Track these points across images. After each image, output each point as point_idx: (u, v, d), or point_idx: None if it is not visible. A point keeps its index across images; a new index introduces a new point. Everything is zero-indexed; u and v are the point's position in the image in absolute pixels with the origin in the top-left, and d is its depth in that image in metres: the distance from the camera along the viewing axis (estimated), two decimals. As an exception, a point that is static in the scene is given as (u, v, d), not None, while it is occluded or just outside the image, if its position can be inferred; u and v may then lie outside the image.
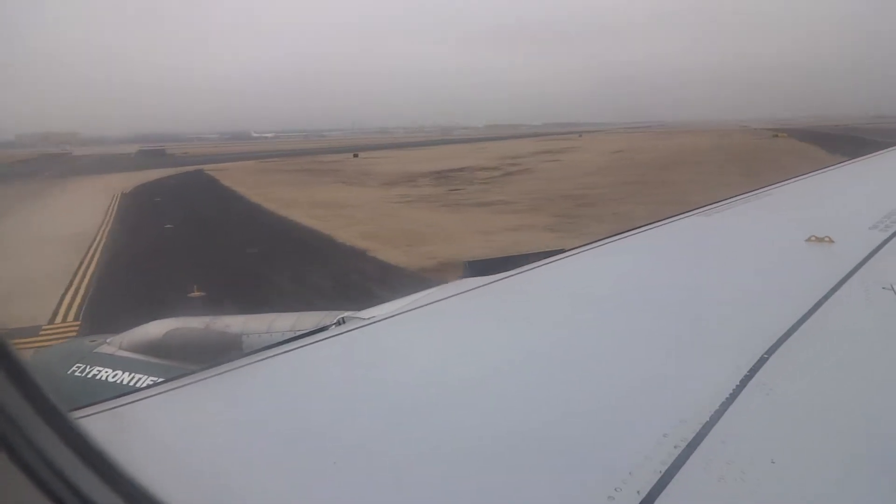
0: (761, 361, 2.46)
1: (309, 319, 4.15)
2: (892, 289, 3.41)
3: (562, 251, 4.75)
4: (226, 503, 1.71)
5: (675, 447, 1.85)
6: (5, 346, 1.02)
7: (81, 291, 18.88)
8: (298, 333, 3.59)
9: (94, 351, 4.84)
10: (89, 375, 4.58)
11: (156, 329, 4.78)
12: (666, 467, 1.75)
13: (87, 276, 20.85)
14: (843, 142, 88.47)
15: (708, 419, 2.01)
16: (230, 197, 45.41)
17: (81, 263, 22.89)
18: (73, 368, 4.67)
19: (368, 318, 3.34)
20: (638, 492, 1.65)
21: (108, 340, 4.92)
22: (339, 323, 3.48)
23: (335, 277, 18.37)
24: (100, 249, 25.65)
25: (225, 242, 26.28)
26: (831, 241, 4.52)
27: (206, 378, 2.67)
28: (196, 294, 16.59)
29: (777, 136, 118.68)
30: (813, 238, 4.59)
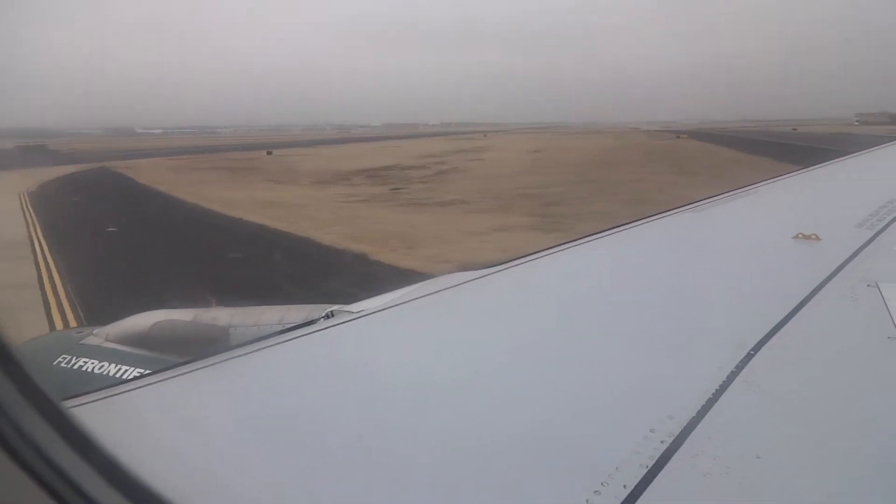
0: (748, 358, 2.48)
1: (297, 313, 4.09)
2: (878, 286, 3.46)
3: (549, 248, 4.75)
4: (212, 495, 1.69)
5: (661, 442, 1.86)
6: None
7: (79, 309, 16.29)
8: (287, 327, 3.58)
9: (80, 342, 4.72)
10: (75, 367, 4.46)
11: (143, 321, 4.68)
12: (652, 462, 1.76)
13: (64, 289, 18.37)
14: (730, 141, 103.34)
15: (694, 415, 2.02)
16: (160, 197, 42.65)
17: (42, 274, 20.28)
18: (59, 359, 4.55)
19: (357, 312, 3.31)
20: (624, 486, 1.65)
21: (94, 332, 4.79)
22: (327, 316, 3.43)
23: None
24: (50, 257, 22.73)
25: (202, 248, 24.33)
26: (818, 238, 4.58)
27: (192, 370, 2.63)
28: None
29: (679, 137, 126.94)
30: (800, 235, 4.65)
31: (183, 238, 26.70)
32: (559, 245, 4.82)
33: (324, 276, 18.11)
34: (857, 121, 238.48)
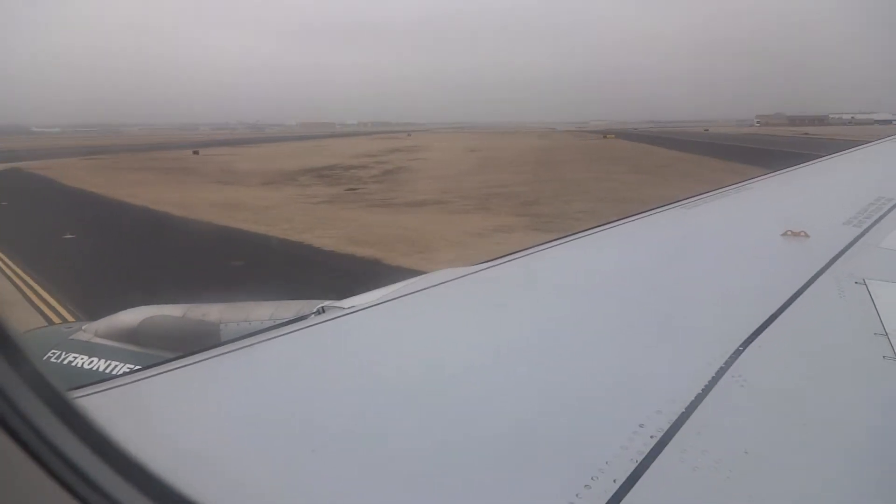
0: (736, 354, 2.51)
1: (288, 308, 4.06)
2: (865, 283, 3.51)
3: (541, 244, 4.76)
4: (203, 490, 1.66)
5: (650, 437, 1.88)
6: (4, 329, 1.05)
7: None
8: (278, 322, 3.55)
9: (70, 338, 4.65)
10: (65, 362, 4.39)
11: (132, 316, 4.61)
12: (642, 457, 1.78)
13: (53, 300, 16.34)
14: (657, 141, 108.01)
15: (683, 410, 2.05)
16: (97, 200, 39.30)
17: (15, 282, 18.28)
18: (49, 355, 4.47)
19: (348, 308, 3.31)
20: (614, 480, 1.67)
21: (83, 327, 4.73)
22: (318, 312, 3.41)
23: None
24: (12, 266, 20.35)
25: (200, 258, 21.88)
26: (807, 235, 4.66)
27: (183, 366, 2.62)
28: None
29: (606, 137, 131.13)
30: (789, 233, 4.71)
31: (170, 247, 23.96)
32: (548, 242, 4.81)
33: (346, 281, 16.22)
34: (757, 122, 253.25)
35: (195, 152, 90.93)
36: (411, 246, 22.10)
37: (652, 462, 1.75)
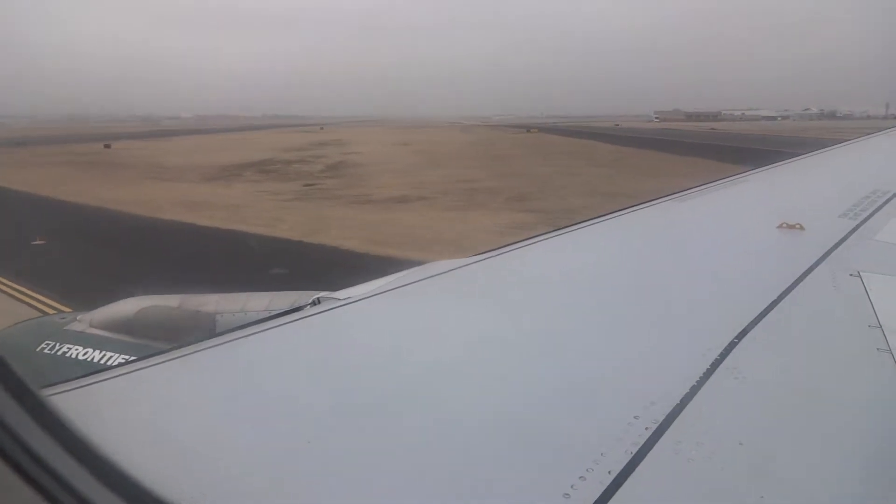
0: (731, 346, 2.51)
1: (284, 299, 4.04)
2: (860, 275, 3.51)
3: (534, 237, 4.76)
4: (198, 483, 1.67)
5: (645, 429, 1.88)
6: None
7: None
8: (273, 313, 3.53)
9: (65, 328, 4.59)
10: (59, 353, 4.35)
11: (128, 307, 4.57)
12: (637, 448, 1.78)
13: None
14: (584, 135, 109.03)
15: (678, 402, 2.05)
16: (38, 200, 34.95)
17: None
18: (43, 345, 4.43)
19: (344, 299, 3.30)
20: (609, 472, 1.67)
21: (78, 318, 4.66)
22: (314, 303, 3.39)
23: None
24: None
25: (212, 266, 19.29)
26: (802, 228, 4.64)
27: (178, 357, 2.62)
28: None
29: (530, 131, 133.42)
30: (784, 225, 4.70)
31: (202, 255, 21.10)
32: (544, 234, 4.79)
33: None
34: (656, 117, 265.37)
35: (107, 146, 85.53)
36: (456, 247, 19.79)
37: (647, 454, 1.75)
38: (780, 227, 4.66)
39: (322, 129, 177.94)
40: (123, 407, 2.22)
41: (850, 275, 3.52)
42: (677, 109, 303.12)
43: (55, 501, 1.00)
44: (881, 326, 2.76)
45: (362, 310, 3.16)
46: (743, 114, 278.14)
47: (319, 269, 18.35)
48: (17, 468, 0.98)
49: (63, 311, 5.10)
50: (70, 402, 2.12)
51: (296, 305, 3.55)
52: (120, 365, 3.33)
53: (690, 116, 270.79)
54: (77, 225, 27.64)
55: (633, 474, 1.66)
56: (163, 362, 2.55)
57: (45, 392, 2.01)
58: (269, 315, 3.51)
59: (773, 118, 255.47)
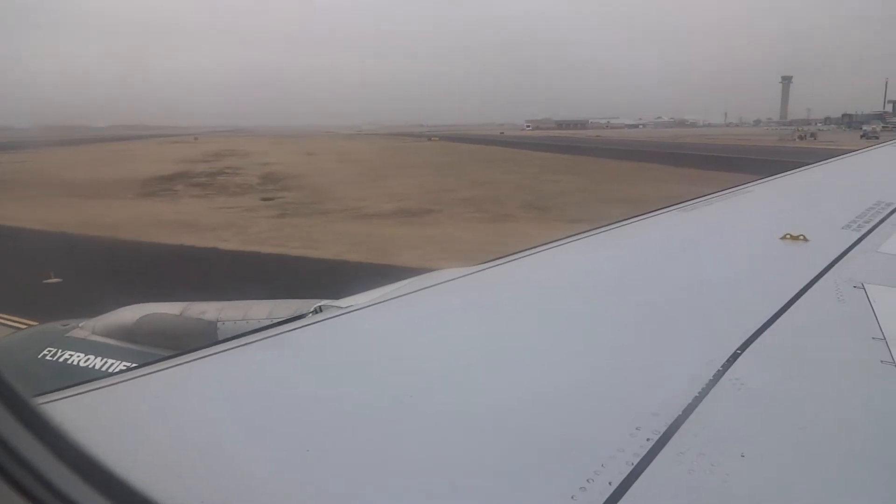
0: (734, 357, 2.51)
1: (286, 307, 4.05)
2: (863, 287, 3.50)
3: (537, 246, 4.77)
4: (199, 491, 1.67)
5: (647, 440, 1.87)
6: None
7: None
8: (275, 321, 3.53)
9: (66, 335, 4.58)
10: (60, 360, 4.35)
11: (129, 314, 4.57)
12: (638, 459, 1.77)
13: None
14: (484, 142, 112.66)
15: (680, 413, 2.05)
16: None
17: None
18: (44, 352, 4.42)
19: (346, 307, 3.31)
20: (610, 483, 1.67)
21: (80, 325, 4.66)
22: (316, 311, 3.41)
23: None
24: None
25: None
26: (806, 239, 4.65)
27: (180, 364, 2.62)
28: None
29: (431, 140, 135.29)
30: (788, 236, 4.72)
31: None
32: (546, 244, 4.81)
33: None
34: (527, 126, 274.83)
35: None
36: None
37: (648, 464, 1.74)
38: (783, 238, 4.66)
39: (196, 139, 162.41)
40: (125, 414, 2.23)
41: (854, 286, 3.50)
42: (548, 118, 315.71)
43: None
44: (885, 338, 2.74)
45: (364, 318, 3.14)
46: (609, 122, 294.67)
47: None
48: (10, 479, 0.97)
49: (66, 319, 4.69)
50: (71, 409, 2.14)
51: (298, 313, 3.53)
52: (121, 372, 3.46)
53: (561, 125, 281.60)
54: (75, 256, 21.34)
55: (635, 485, 1.65)
56: (164, 370, 2.56)
57: (47, 399, 2.15)
58: (270, 323, 3.50)
59: (636, 126, 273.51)
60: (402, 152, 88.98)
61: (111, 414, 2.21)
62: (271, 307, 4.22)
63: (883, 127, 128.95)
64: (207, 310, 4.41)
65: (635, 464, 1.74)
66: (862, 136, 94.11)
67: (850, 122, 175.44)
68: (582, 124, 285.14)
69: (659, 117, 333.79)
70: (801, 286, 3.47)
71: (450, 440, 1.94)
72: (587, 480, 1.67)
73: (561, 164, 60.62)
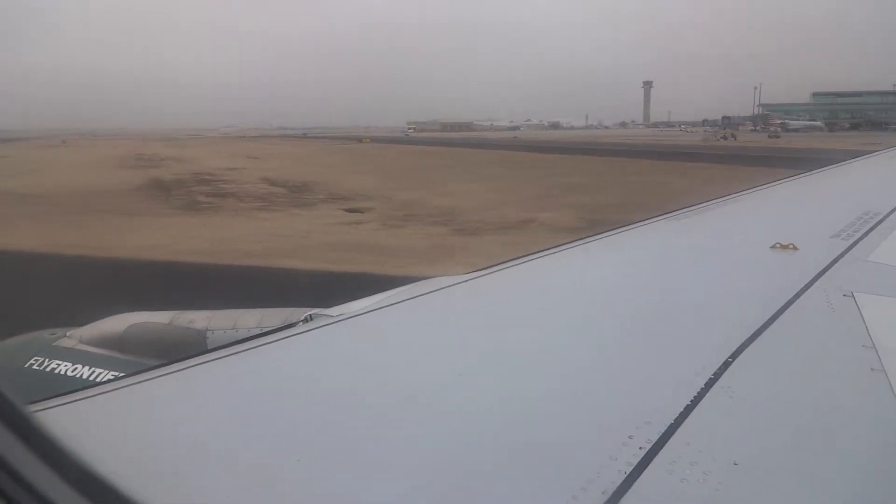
0: (725, 365, 2.52)
1: (276, 316, 4.06)
2: (853, 296, 3.52)
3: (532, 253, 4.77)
4: (187, 500, 1.71)
5: (639, 448, 1.88)
6: None
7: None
8: (265, 330, 3.56)
9: (54, 344, 4.59)
10: (48, 369, 4.34)
11: (117, 323, 4.58)
12: (630, 468, 1.78)
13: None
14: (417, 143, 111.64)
15: (672, 421, 2.05)
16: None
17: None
18: (31, 361, 4.41)
19: (336, 316, 3.29)
20: (602, 492, 1.67)
21: (67, 334, 4.67)
22: (306, 320, 3.42)
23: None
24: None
25: None
26: (795, 248, 4.66)
27: (168, 373, 2.62)
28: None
29: (362, 141, 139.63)
30: (778, 245, 4.71)
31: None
32: (540, 251, 4.84)
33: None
34: (410, 128, 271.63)
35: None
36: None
37: (641, 473, 1.75)
38: (773, 247, 4.67)
39: (65, 143, 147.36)
40: (112, 423, 2.21)
41: (844, 295, 3.52)
42: (434, 120, 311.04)
43: None
44: (874, 346, 2.77)
45: (355, 327, 3.13)
46: (492, 124, 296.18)
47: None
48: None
49: (53, 328, 4.91)
50: (59, 418, 2.11)
51: (288, 322, 3.55)
52: (109, 381, 3.33)
53: (445, 127, 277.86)
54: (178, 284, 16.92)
55: (628, 494, 1.65)
56: (152, 378, 2.54)
57: (34, 408, 2.04)
58: (260, 332, 3.50)
59: (517, 128, 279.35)
60: (356, 155, 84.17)
61: (99, 424, 2.19)
62: (261, 316, 4.23)
63: (781, 126, 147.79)
64: (196, 319, 4.41)
65: (628, 472, 1.74)
66: (769, 136, 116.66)
67: (729, 123, 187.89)
68: (466, 126, 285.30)
69: (528, 120, 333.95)
70: (792, 295, 3.48)
71: (441, 450, 1.94)
72: (580, 489, 1.67)
73: (526, 158, 60.27)
